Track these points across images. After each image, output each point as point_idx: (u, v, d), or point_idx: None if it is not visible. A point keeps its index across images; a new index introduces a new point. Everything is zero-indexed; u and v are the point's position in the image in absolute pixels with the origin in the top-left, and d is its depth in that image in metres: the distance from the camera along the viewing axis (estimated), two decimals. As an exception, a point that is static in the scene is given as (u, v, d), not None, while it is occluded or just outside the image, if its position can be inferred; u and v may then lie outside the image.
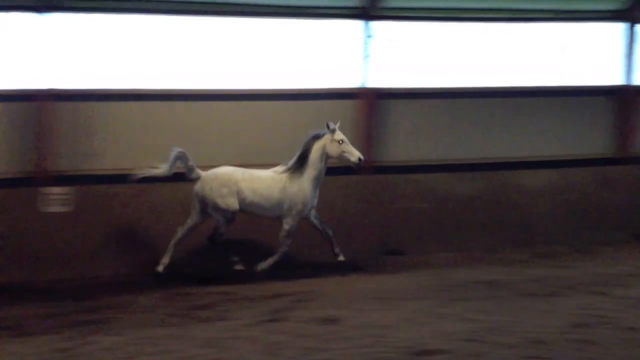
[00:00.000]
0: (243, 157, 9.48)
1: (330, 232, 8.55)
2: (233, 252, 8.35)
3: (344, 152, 8.24)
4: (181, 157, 8.27)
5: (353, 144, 8.40)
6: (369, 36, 9.99)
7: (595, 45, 11.21)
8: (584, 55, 11.22)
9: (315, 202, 8.46)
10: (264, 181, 8.32)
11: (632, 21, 11.00)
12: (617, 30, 11.11)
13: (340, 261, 8.54)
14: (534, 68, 11.03)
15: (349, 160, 8.28)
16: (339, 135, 8.28)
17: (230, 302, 7.34)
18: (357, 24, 10.02)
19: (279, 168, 8.44)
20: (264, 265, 8.35)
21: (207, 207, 8.30)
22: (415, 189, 9.87)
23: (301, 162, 8.30)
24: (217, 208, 8.24)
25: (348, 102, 10.05)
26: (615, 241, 10.22)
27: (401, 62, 10.37)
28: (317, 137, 8.35)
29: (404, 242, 9.43)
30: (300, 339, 5.86)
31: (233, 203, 8.23)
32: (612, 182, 10.73)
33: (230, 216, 8.29)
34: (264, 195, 8.27)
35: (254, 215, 8.53)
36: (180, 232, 8.45)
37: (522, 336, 5.70)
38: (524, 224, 10.27)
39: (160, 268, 8.37)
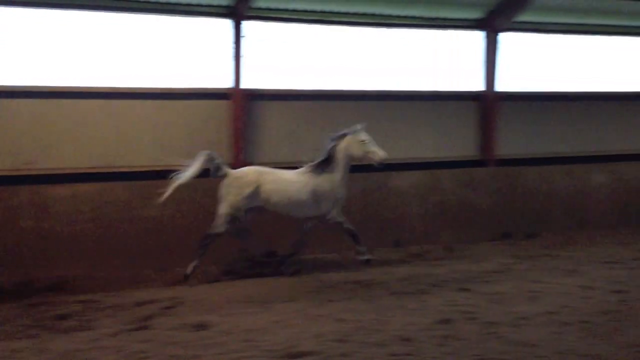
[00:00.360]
0: (105, 158, 9.16)
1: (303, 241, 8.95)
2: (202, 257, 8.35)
3: (367, 152, 8.51)
4: (210, 159, 8.36)
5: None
6: (241, 36, 9.86)
7: (464, 52, 11.70)
8: (453, 62, 11.68)
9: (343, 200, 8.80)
10: (292, 183, 8.52)
11: (490, 30, 11.54)
12: (479, 38, 11.65)
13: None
14: (406, 73, 11.35)
15: (372, 160, 8.59)
16: (362, 135, 8.53)
17: (94, 311, 7.00)
18: (228, 23, 9.88)
19: (303, 169, 8.66)
20: (361, 254, 8.80)
21: (223, 201, 8.35)
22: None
23: (327, 162, 8.59)
24: (234, 206, 8.29)
25: (219, 103, 9.89)
26: (481, 239, 10.67)
27: (274, 63, 10.36)
28: (341, 137, 8.63)
29: (279, 244, 9.32)
30: (167, 346, 5.69)
31: (248, 203, 8.35)
32: (479, 183, 11.22)
33: (240, 214, 8.38)
34: (293, 197, 8.47)
35: (281, 214, 8.67)
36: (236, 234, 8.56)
37: (390, 334, 5.80)
38: (397, 224, 10.52)
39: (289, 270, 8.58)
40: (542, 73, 12.29)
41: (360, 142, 8.56)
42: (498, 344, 5.47)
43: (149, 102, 9.65)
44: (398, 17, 10.94)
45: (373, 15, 10.72)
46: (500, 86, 11.72)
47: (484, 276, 8.20)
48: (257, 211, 8.56)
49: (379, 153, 8.54)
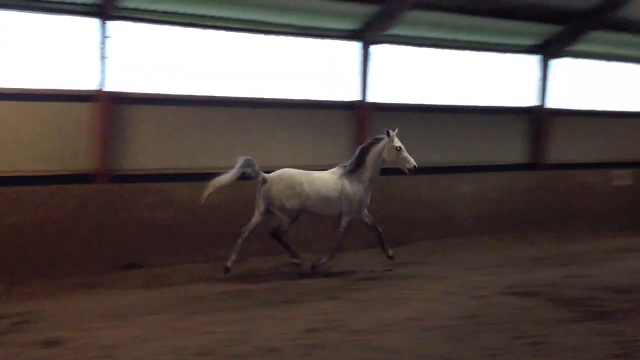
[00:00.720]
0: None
1: (380, 230, 9.17)
2: (292, 248, 8.83)
3: (400, 158, 8.75)
4: (249, 164, 8.60)
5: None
6: (107, 36, 9.43)
7: (340, 62, 11.83)
8: (330, 71, 11.79)
9: (368, 201, 9.10)
10: (325, 183, 8.86)
11: (365, 41, 11.74)
12: (354, 49, 11.82)
13: (390, 257, 9.21)
14: (283, 80, 11.33)
15: (404, 166, 8.86)
16: (397, 142, 8.78)
17: None
18: (94, 23, 9.44)
19: (336, 170, 9.02)
20: (323, 261, 8.99)
21: (272, 207, 8.66)
22: (157, 198, 9.50)
23: (358, 164, 8.87)
24: (282, 208, 8.59)
25: (83, 106, 9.44)
26: (354, 248, 10.73)
27: (146, 66, 10.00)
28: (375, 142, 8.92)
29: (144, 254, 8.98)
30: (14, 366, 5.22)
31: (296, 204, 8.64)
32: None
33: (294, 215, 8.69)
34: (326, 196, 8.82)
35: (316, 215, 9.10)
36: (245, 232, 8.74)
37: (256, 345, 5.66)
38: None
39: (229, 264, 8.62)
40: (414, 85, 12.69)
41: (395, 148, 8.72)
42: (362, 351, 5.47)
43: (10, 104, 9.13)
44: (273, 24, 10.91)
45: (246, 21, 10.63)
46: (374, 97, 11.96)
47: (353, 284, 8.27)
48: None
49: (411, 161, 8.75)
